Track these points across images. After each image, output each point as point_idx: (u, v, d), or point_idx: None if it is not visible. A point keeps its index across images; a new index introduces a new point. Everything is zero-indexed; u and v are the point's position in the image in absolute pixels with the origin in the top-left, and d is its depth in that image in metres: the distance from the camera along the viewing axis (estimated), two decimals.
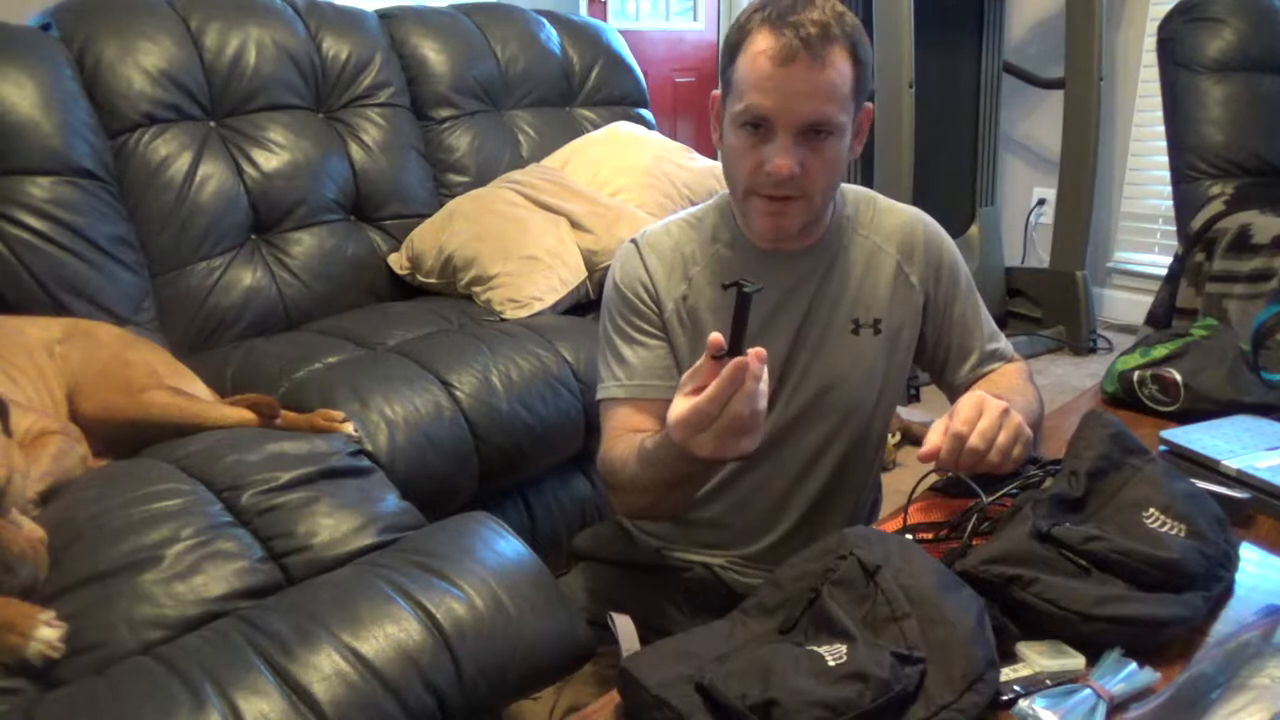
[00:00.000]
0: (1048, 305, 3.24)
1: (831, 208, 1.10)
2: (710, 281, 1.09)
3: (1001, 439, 0.88)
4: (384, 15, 2.27)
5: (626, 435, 1.04)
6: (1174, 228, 2.40)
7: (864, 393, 1.11)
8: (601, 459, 1.07)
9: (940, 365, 1.18)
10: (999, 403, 0.90)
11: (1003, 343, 1.19)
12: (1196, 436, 1.10)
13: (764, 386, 0.81)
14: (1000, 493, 0.92)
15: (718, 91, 1.05)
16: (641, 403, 1.08)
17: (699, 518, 1.15)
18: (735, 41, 0.98)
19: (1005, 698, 0.69)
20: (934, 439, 0.90)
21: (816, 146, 0.97)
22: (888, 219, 1.13)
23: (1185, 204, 2.27)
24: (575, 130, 2.43)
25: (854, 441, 1.13)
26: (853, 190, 1.15)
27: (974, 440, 0.87)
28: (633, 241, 1.13)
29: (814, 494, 1.13)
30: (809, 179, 0.98)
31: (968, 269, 1.18)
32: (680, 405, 0.82)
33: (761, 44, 0.95)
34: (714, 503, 1.14)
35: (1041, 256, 3.45)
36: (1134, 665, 0.71)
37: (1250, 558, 0.89)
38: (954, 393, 1.18)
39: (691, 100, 4.34)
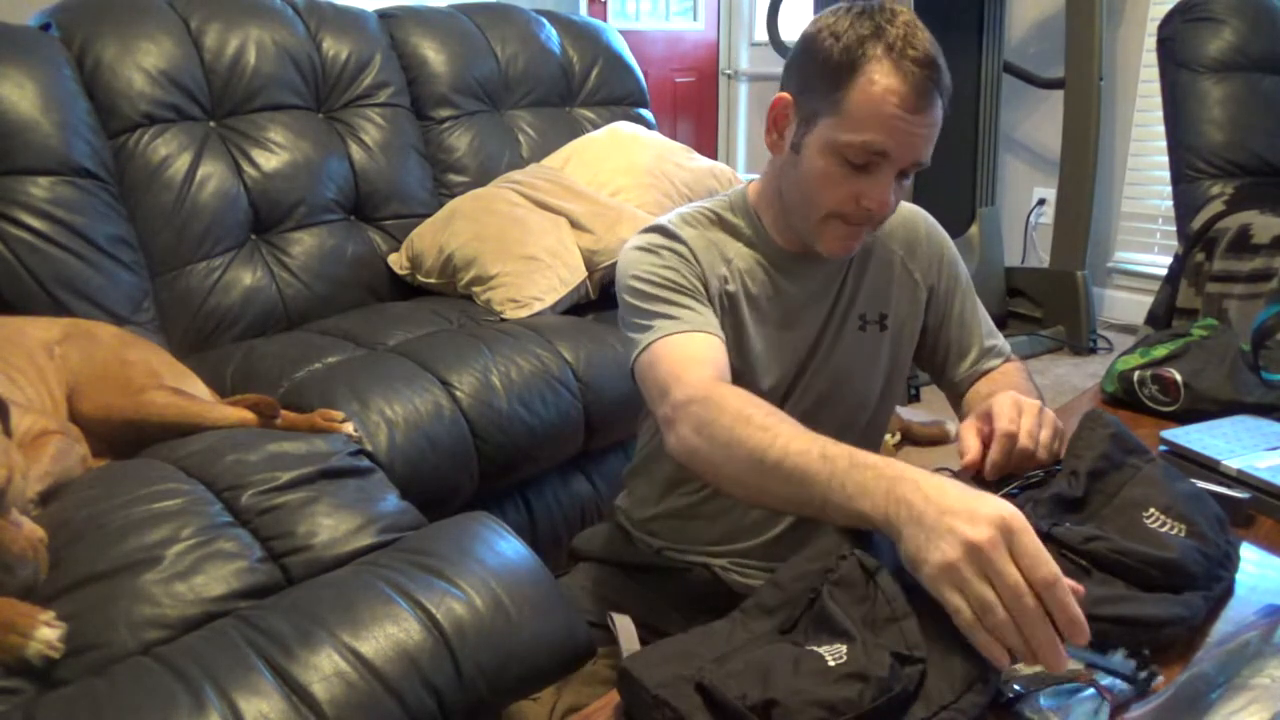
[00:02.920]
0: (1048, 305, 3.24)
1: None
2: (747, 271, 1.06)
3: (1044, 436, 0.89)
4: (384, 15, 2.27)
5: (731, 386, 0.90)
6: (1174, 228, 2.40)
7: (868, 388, 1.12)
8: (701, 391, 0.88)
9: (940, 361, 1.18)
10: (1034, 400, 0.91)
11: (1000, 340, 1.19)
12: (1196, 436, 1.10)
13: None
14: (1000, 493, 0.92)
15: (786, 95, 0.99)
16: (705, 335, 0.96)
17: (701, 511, 1.15)
18: (843, 62, 0.92)
19: (1007, 698, 0.69)
20: (974, 444, 0.88)
21: (902, 181, 0.98)
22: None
23: (1185, 204, 2.27)
24: (575, 130, 2.43)
25: (857, 437, 1.13)
26: None
27: (1024, 440, 0.87)
28: (656, 227, 1.06)
29: None
30: (889, 211, 0.99)
31: (965, 267, 1.18)
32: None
33: (888, 81, 0.91)
34: (717, 497, 1.14)
35: (1041, 256, 3.45)
36: (1134, 665, 0.71)
37: (1250, 558, 0.89)
38: (954, 389, 1.18)
39: (691, 100, 4.34)
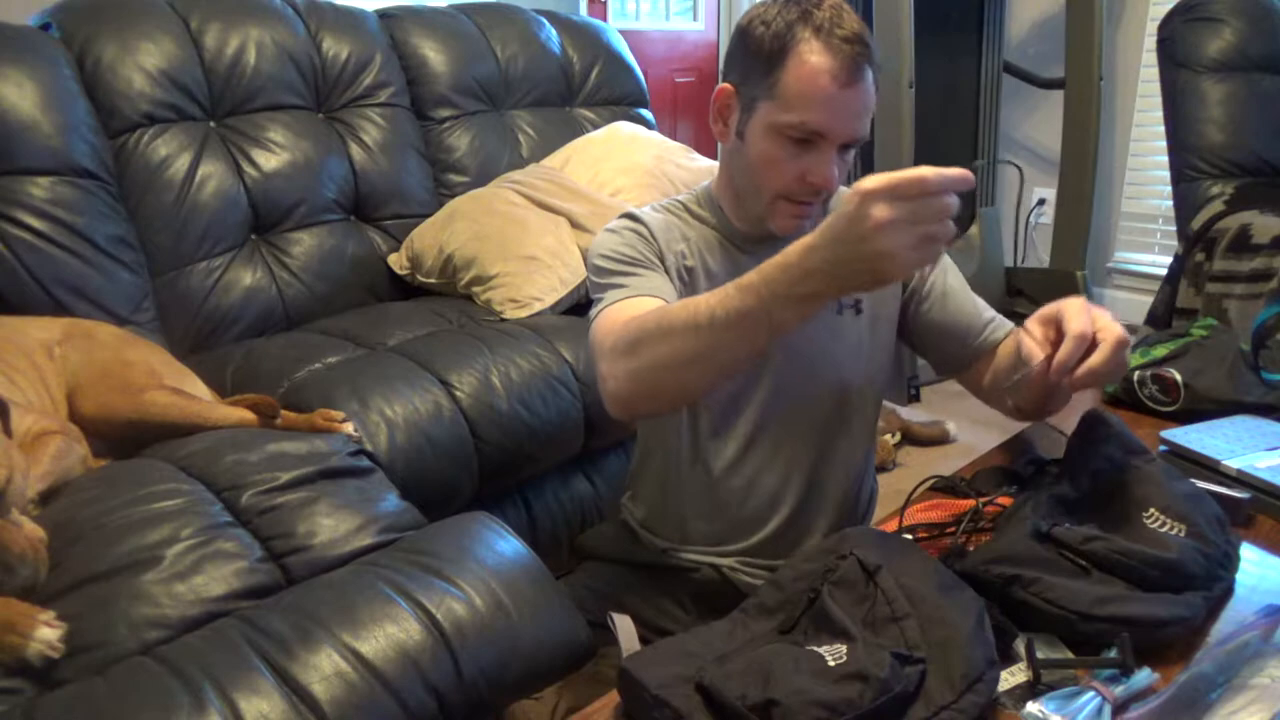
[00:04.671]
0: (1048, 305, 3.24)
1: None
2: (707, 249, 1.11)
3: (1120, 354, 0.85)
4: (384, 15, 2.27)
5: (649, 310, 0.95)
6: (1174, 228, 2.40)
7: (850, 371, 1.13)
8: (621, 329, 0.94)
9: (944, 341, 1.14)
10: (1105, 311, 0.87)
11: (1000, 317, 1.16)
12: (1196, 436, 1.10)
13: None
14: (1001, 494, 0.92)
15: (728, 85, 1.04)
16: (651, 299, 1.00)
17: (699, 508, 1.15)
18: (774, 48, 0.97)
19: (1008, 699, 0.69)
20: (1035, 347, 0.86)
21: (844, 156, 1.02)
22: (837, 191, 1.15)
23: (1185, 204, 2.27)
24: (575, 130, 2.43)
25: (843, 420, 1.14)
26: None
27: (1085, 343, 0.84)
28: (624, 213, 1.13)
29: (808, 476, 1.14)
30: (834, 186, 1.03)
31: (949, 256, 1.16)
32: (889, 174, 0.74)
33: (818, 60, 0.95)
34: (715, 491, 1.14)
35: (1041, 257, 3.45)
36: (1123, 658, 0.72)
37: (1250, 558, 0.89)
38: (970, 363, 1.13)
39: (691, 100, 4.34)
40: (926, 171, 0.73)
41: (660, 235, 1.10)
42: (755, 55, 0.99)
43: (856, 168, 3.07)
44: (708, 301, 0.86)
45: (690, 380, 0.91)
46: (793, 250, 0.80)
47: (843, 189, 1.17)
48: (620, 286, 1.03)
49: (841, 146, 1.00)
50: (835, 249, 0.76)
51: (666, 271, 1.08)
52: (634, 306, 0.99)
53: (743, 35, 1.02)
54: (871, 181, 0.73)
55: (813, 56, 0.95)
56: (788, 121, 0.98)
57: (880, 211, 0.72)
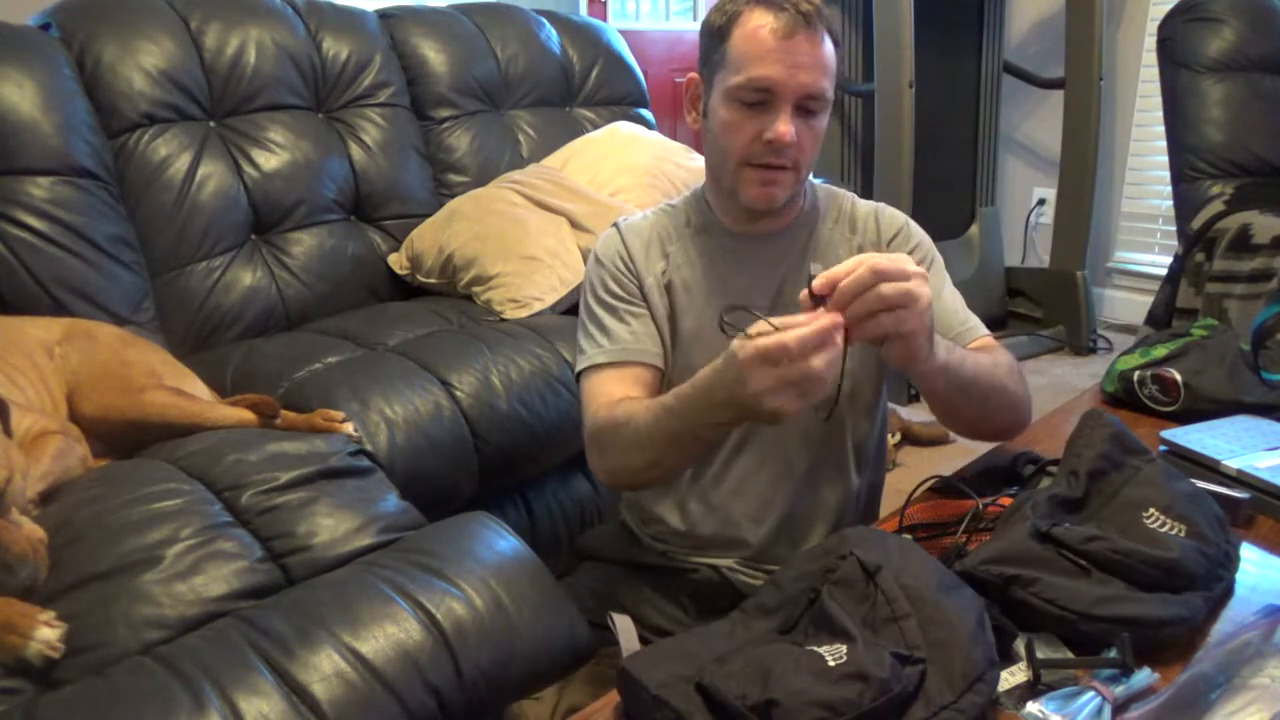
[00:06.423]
0: (1048, 305, 3.24)
1: (803, 196, 1.13)
2: (687, 260, 1.13)
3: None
4: (384, 15, 2.27)
5: (624, 400, 1.05)
6: (1174, 228, 2.40)
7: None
8: (591, 423, 1.06)
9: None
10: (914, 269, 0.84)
11: (977, 323, 1.14)
12: (1196, 436, 1.10)
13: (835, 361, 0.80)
14: (1000, 494, 0.92)
15: (695, 74, 1.08)
16: (625, 367, 1.10)
17: (695, 510, 1.15)
18: (723, 23, 1.02)
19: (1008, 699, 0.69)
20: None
21: (808, 120, 1.02)
22: (854, 211, 1.16)
23: (1185, 204, 2.27)
24: (575, 130, 2.43)
25: (833, 430, 1.13)
26: (825, 187, 1.18)
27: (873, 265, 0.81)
28: (614, 225, 1.17)
29: (798, 485, 1.13)
30: (801, 150, 1.03)
31: (941, 260, 1.16)
32: (760, 340, 0.79)
33: (760, 20, 0.99)
34: (705, 494, 1.14)
35: (1041, 256, 3.45)
36: (1123, 658, 0.71)
37: (1250, 558, 0.89)
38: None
39: None
40: (789, 338, 0.78)
41: (640, 259, 1.13)
42: (709, 36, 1.04)
43: (857, 169, 3.07)
44: (645, 420, 0.96)
45: (655, 477, 1.04)
46: (701, 382, 0.88)
47: (827, 187, 1.18)
48: (598, 345, 1.11)
49: (801, 109, 1.00)
50: (733, 398, 0.83)
51: (645, 298, 1.12)
52: (608, 386, 1.08)
53: (703, 26, 1.07)
54: (746, 353, 0.80)
55: (754, 19, 0.99)
56: (737, 83, 1.00)
57: (759, 381, 0.80)
